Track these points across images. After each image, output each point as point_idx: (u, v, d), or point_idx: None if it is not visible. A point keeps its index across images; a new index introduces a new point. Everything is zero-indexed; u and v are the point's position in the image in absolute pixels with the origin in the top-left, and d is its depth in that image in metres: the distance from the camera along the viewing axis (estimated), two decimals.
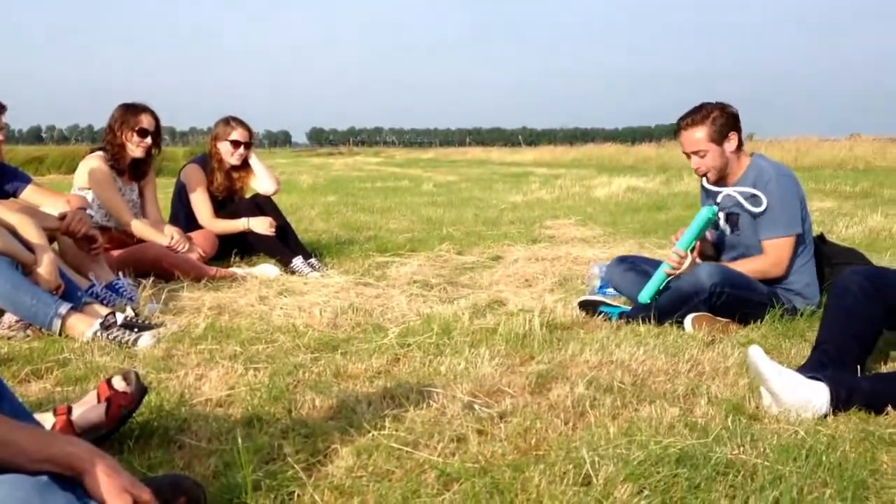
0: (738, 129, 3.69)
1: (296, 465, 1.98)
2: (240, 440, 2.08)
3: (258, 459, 2.04)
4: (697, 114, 3.69)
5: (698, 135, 3.67)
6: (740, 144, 3.71)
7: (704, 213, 3.62)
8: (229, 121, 5.46)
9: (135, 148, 4.90)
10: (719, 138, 3.65)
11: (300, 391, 2.63)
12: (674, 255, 3.63)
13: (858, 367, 2.61)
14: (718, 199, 3.73)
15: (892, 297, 2.68)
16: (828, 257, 3.78)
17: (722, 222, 3.78)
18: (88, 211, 4.68)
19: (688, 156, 3.76)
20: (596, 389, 2.61)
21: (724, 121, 3.64)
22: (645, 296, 3.66)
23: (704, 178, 3.78)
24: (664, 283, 3.65)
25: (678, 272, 3.60)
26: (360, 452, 2.08)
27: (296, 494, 1.86)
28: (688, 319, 3.43)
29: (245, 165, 5.51)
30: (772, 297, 3.55)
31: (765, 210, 3.57)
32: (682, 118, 3.74)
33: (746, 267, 3.61)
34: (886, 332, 2.89)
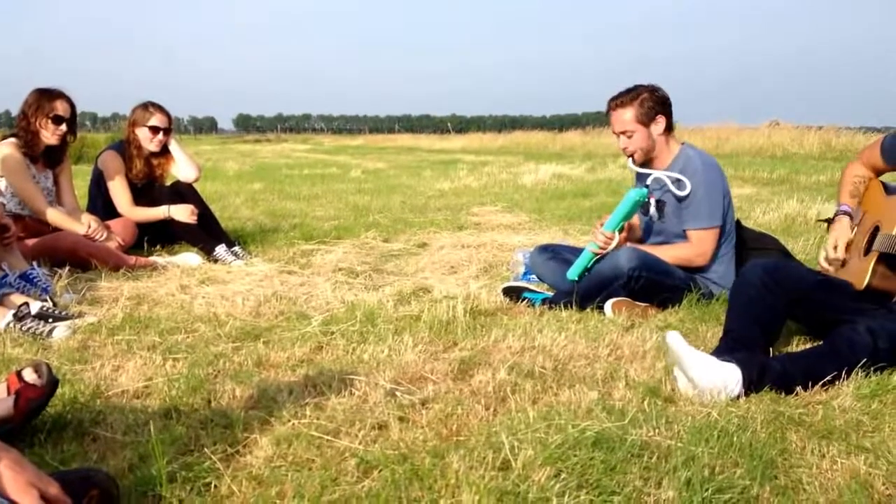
0: (665, 113, 3.73)
1: (213, 456, 1.96)
2: (155, 431, 2.05)
3: (174, 451, 2.00)
4: (627, 95, 3.74)
5: (626, 116, 3.72)
6: (669, 128, 3.75)
7: (633, 194, 3.68)
8: (147, 106, 5.32)
9: (49, 135, 4.76)
10: (646, 120, 3.70)
11: (220, 381, 2.59)
12: (600, 235, 3.70)
13: (767, 351, 2.70)
14: (648, 182, 3.78)
15: (790, 287, 2.79)
16: (744, 242, 3.88)
17: (652, 208, 3.83)
18: (1, 199, 4.54)
19: (617, 135, 3.82)
20: (517, 375, 2.63)
21: (653, 103, 3.70)
22: (573, 273, 3.76)
23: (631, 159, 3.83)
24: (591, 262, 3.72)
25: (605, 252, 3.67)
26: (279, 442, 2.07)
27: (212, 485, 1.83)
28: (608, 304, 3.49)
29: (164, 152, 5.39)
30: (689, 282, 3.63)
31: (688, 197, 3.64)
32: (612, 98, 3.79)
33: (671, 253, 3.68)
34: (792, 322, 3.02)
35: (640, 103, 3.70)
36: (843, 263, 3.06)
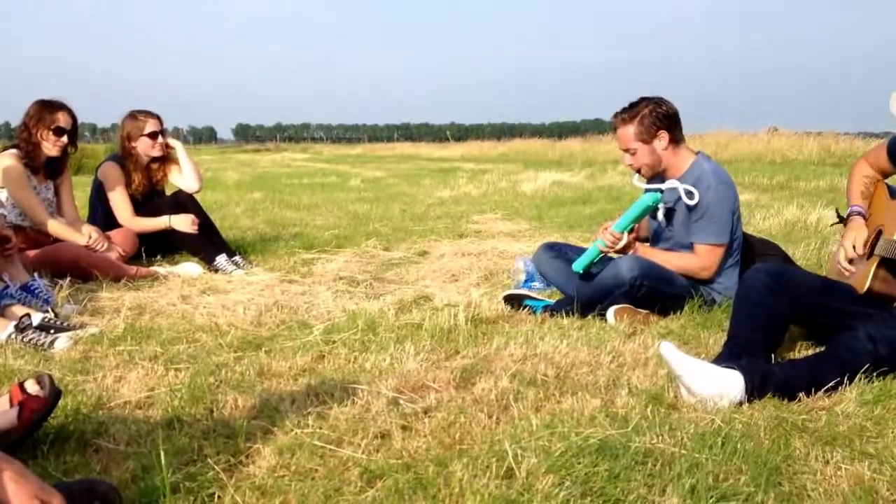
0: (668, 128, 3.67)
1: (216, 467, 1.95)
2: (158, 442, 2.05)
3: (178, 461, 2.00)
4: (627, 112, 3.71)
5: (627, 133, 3.70)
6: (674, 141, 3.70)
7: (647, 198, 3.65)
8: (136, 116, 5.31)
9: (51, 147, 4.76)
10: (647, 137, 3.67)
11: (222, 391, 2.59)
12: (609, 234, 3.69)
13: (770, 356, 2.70)
14: (664, 188, 3.75)
15: (793, 291, 2.79)
16: (745, 248, 3.87)
17: (660, 215, 3.81)
18: (1, 210, 4.55)
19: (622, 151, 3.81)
20: (520, 383, 2.63)
21: (653, 119, 3.65)
22: (578, 265, 3.77)
23: (637, 174, 3.82)
24: (597, 258, 3.72)
25: (612, 251, 3.69)
26: (282, 451, 2.07)
27: (216, 496, 1.83)
28: (610, 311, 3.49)
29: (163, 156, 5.41)
30: (691, 290, 3.62)
31: (698, 210, 3.61)
32: (615, 114, 3.77)
33: (676, 263, 3.67)
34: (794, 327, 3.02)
35: (639, 121, 3.66)
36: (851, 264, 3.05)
